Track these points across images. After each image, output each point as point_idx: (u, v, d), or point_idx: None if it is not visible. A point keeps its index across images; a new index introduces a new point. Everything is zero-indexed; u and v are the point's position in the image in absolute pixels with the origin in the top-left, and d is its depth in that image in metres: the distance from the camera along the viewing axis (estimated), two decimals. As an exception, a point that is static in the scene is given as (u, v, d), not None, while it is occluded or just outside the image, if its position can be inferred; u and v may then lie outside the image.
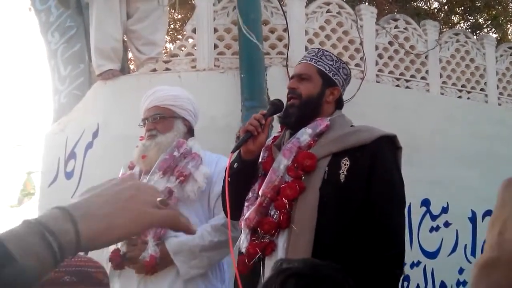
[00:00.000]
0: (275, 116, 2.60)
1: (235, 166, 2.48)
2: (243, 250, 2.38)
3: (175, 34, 10.49)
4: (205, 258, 2.79)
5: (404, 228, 2.40)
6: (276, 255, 2.35)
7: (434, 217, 4.67)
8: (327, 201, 2.32)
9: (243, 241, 2.40)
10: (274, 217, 2.36)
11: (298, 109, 2.50)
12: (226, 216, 2.73)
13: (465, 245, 4.82)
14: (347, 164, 2.36)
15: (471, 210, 4.88)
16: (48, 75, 5.05)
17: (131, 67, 6.25)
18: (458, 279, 4.70)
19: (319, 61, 2.57)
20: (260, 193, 2.42)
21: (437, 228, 4.68)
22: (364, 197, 2.33)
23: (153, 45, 4.47)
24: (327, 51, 2.69)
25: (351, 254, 2.27)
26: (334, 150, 2.40)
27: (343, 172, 2.35)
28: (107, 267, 2.92)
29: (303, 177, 2.37)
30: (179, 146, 2.91)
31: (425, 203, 4.61)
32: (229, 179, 2.41)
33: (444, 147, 4.81)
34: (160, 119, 2.95)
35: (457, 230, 4.78)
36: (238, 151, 2.49)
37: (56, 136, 4.74)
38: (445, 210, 4.72)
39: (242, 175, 2.46)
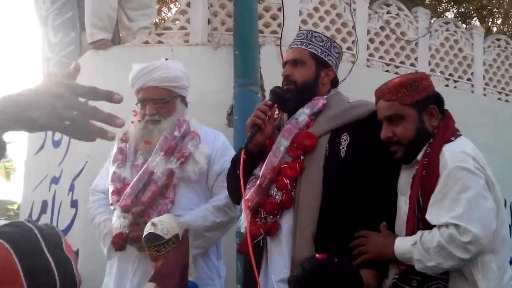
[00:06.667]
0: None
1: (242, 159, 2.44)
2: (243, 230, 2.41)
3: (162, 6, 10.42)
4: (208, 238, 2.83)
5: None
6: (280, 236, 2.39)
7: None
8: (331, 178, 2.36)
9: (243, 222, 2.42)
10: (276, 197, 2.39)
11: (295, 94, 2.50)
12: (233, 202, 2.75)
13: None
14: (347, 140, 2.41)
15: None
16: (39, 42, 5.01)
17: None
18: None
19: (310, 44, 2.55)
20: (260, 174, 2.44)
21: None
22: (363, 172, 2.36)
23: (147, 14, 4.46)
24: (316, 32, 2.68)
25: (355, 230, 2.33)
26: (333, 126, 2.44)
27: (343, 148, 2.39)
28: (104, 246, 2.93)
29: (302, 157, 2.40)
30: (180, 125, 2.89)
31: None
32: (237, 171, 2.40)
33: (429, 134, 4.86)
34: (163, 104, 2.88)
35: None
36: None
37: (44, 104, 4.71)
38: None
39: (250, 167, 2.46)
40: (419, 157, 2.27)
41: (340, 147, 2.39)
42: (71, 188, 4.02)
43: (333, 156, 2.38)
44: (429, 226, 2.19)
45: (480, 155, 2.27)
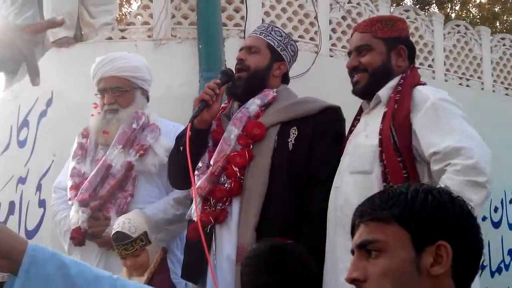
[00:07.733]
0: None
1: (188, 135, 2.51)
2: (194, 218, 2.44)
3: (122, 1, 10.37)
4: (169, 231, 2.85)
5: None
6: (228, 223, 2.45)
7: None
8: (278, 168, 2.44)
9: (194, 210, 2.46)
10: (226, 185, 2.45)
11: (246, 81, 2.61)
12: (172, 185, 2.79)
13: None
14: (295, 133, 2.49)
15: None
16: None
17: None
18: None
19: (268, 36, 2.67)
20: (211, 162, 2.49)
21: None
22: (308, 165, 2.46)
23: (108, 10, 4.43)
24: (277, 27, 2.79)
25: (298, 220, 2.41)
26: (282, 119, 2.53)
27: (291, 141, 2.48)
28: (65, 242, 2.92)
29: (251, 146, 2.47)
30: (138, 118, 2.91)
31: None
32: (181, 148, 2.48)
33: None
34: (121, 92, 2.92)
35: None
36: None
37: (8, 103, 4.64)
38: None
39: (194, 144, 2.49)
40: (381, 93, 2.34)
41: (289, 139, 2.48)
42: (39, 188, 3.98)
43: (281, 148, 2.47)
44: (406, 155, 2.18)
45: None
